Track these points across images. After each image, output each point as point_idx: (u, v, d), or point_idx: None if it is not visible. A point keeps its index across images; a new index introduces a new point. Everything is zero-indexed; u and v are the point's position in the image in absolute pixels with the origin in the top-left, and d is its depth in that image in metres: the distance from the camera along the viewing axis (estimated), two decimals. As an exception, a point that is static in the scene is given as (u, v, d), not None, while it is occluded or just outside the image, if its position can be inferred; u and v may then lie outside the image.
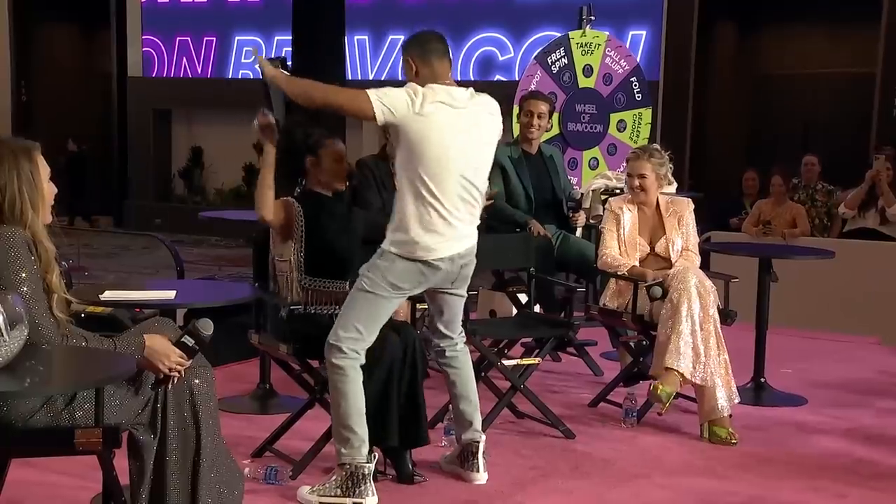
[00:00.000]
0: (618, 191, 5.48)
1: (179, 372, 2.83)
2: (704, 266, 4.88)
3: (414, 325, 4.56)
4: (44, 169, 2.81)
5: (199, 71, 15.12)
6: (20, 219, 2.72)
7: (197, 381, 2.89)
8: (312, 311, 3.80)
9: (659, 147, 4.84)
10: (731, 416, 4.38)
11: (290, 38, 8.08)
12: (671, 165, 4.78)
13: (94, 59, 16.36)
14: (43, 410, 2.69)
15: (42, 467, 3.50)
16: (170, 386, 2.85)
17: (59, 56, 16.29)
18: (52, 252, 2.76)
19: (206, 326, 2.84)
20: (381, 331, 3.60)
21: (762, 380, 5.11)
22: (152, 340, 2.80)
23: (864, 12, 11.08)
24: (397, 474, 3.76)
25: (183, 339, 2.83)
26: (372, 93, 3.42)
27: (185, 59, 15.25)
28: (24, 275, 2.65)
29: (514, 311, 5.38)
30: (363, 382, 3.56)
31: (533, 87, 6.38)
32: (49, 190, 2.83)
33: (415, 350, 3.71)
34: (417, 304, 4.59)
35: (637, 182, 4.68)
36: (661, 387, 4.24)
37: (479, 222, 3.69)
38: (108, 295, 3.61)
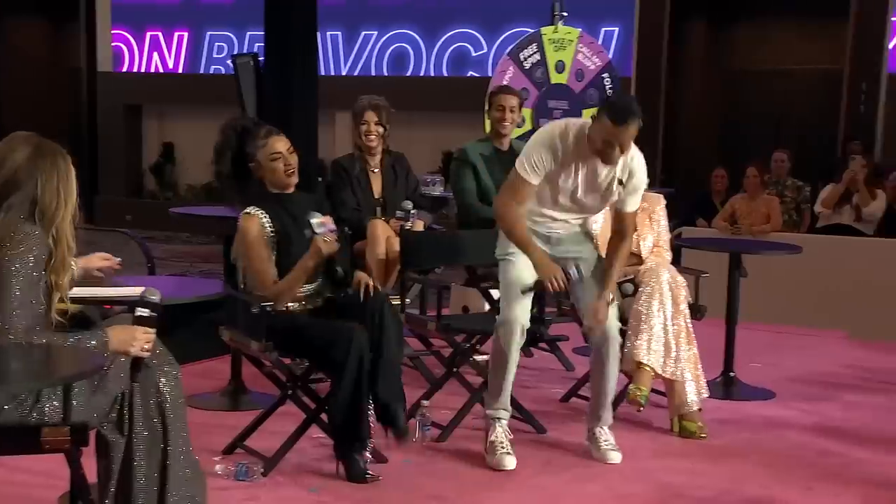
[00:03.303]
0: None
1: (149, 349, 2.81)
2: (675, 261, 4.91)
3: (402, 298, 4.50)
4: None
5: (171, 66, 15.00)
6: (52, 217, 2.75)
7: (163, 381, 2.88)
8: (285, 308, 3.77)
9: None
10: (700, 410, 4.41)
11: (263, 33, 8.05)
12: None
13: (63, 53, 16.18)
14: (10, 408, 2.66)
15: (9, 466, 3.47)
16: (141, 368, 2.83)
17: (28, 50, 16.11)
18: (72, 251, 2.81)
19: (153, 293, 2.85)
20: (343, 329, 3.59)
21: (732, 374, 5.15)
22: (113, 331, 2.79)
23: (833, 8, 11.18)
24: (347, 474, 3.69)
25: (139, 314, 2.82)
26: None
27: (156, 54, 15.12)
28: (18, 265, 2.66)
29: (487, 307, 5.39)
30: (336, 387, 3.58)
31: (506, 82, 6.38)
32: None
33: (382, 315, 3.63)
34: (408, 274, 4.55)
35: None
36: (638, 390, 4.25)
37: None
38: (77, 292, 3.57)
